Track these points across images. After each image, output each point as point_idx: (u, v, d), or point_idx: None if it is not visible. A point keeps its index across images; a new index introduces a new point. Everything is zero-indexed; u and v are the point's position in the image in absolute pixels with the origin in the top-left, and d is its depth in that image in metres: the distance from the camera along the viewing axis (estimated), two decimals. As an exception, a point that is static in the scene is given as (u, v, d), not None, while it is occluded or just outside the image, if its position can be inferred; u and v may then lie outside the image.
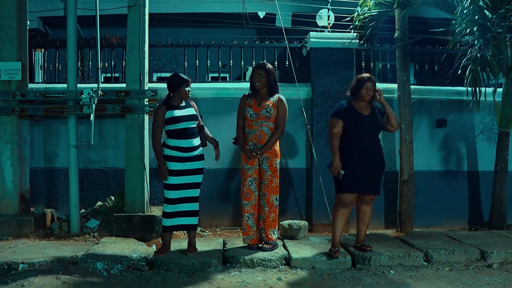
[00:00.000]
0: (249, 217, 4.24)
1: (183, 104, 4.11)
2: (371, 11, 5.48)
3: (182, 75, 4.10)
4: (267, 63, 4.33)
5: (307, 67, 5.67)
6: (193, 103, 4.25)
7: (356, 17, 5.61)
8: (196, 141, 4.11)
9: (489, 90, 5.39)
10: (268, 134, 4.18)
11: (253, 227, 4.25)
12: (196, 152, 4.09)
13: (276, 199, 4.25)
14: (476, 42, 5.07)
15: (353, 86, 4.17)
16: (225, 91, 5.56)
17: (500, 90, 5.45)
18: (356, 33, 5.55)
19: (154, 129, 4.07)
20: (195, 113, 4.15)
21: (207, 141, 4.23)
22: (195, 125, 4.13)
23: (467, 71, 5.16)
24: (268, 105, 4.18)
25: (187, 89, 4.06)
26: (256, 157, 4.17)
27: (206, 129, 4.26)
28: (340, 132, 4.09)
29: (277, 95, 4.25)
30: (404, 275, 3.85)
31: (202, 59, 5.76)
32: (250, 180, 4.23)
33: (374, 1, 5.44)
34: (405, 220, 5.31)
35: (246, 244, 4.28)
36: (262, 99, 4.22)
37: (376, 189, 4.17)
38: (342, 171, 4.01)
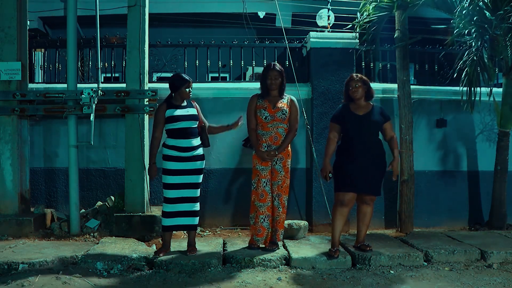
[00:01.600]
0: (264, 219, 4.21)
1: (185, 104, 4.12)
2: (371, 16, 5.50)
3: (184, 76, 4.12)
4: (277, 64, 4.33)
5: (307, 67, 5.67)
6: (196, 103, 4.26)
7: (356, 22, 5.63)
8: (196, 141, 4.11)
9: (486, 90, 5.38)
10: (283, 135, 4.19)
11: (268, 229, 4.23)
12: (196, 152, 4.09)
13: (287, 200, 4.27)
14: (473, 44, 5.08)
15: (344, 89, 4.25)
16: (225, 91, 5.56)
17: (500, 90, 5.46)
18: (356, 34, 5.55)
19: (154, 127, 4.09)
20: (196, 113, 4.15)
21: (222, 131, 4.37)
22: (196, 125, 4.13)
23: (463, 73, 5.17)
24: (283, 107, 4.19)
25: (187, 89, 4.08)
26: (272, 158, 4.17)
27: (212, 124, 4.32)
28: (337, 136, 4.22)
29: (288, 95, 4.29)
30: (404, 275, 3.85)
31: (202, 59, 5.76)
32: (264, 181, 4.20)
33: (373, 5, 5.45)
34: (405, 220, 5.32)
35: (257, 245, 4.24)
36: (275, 100, 4.22)
37: (375, 189, 4.16)
38: (330, 174, 4.14)
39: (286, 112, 4.20)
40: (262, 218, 4.21)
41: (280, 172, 4.20)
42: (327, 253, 4.10)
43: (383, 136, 4.22)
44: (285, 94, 4.29)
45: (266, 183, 4.21)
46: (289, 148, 4.28)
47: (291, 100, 4.27)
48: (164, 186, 4.10)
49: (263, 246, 4.25)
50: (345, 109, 4.20)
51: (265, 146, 4.20)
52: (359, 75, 4.23)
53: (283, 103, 4.21)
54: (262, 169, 4.21)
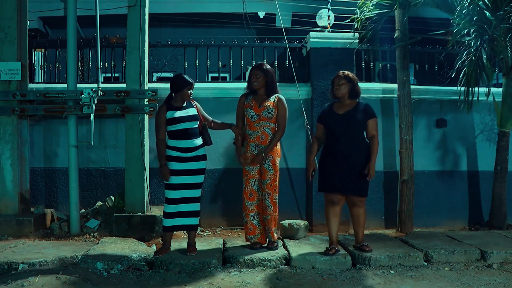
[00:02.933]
0: (254, 217, 4.25)
1: (184, 104, 4.12)
2: (371, 12, 5.49)
3: (187, 77, 4.11)
4: (265, 64, 4.33)
5: (307, 67, 5.67)
6: (196, 103, 4.25)
7: (356, 18, 5.62)
8: (198, 141, 4.11)
9: (484, 90, 5.38)
10: (270, 135, 4.19)
11: (258, 226, 4.27)
12: (198, 153, 4.09)
13: (277, 198, 4.28)
14: (472, 44, 5.08)
15: (330, 89, 4.22)
16: (225, 91, 5.55)
17: (500, 90, 5.46)
18: (356, 34, 5.55)
19: (157, 129, 4.07)
20: (196, 113, 4.15)
21: (223, 128, 4.36)
22: (197, 125, 4.14)
23: (462, 73, 5.16)
24: (269, 105, 4.19)
25: (189, 92, 4.08)
26: (260, 162, 4.17)
27: (216, 120, 4.32)
28: (321, 137, 4.21)
29: (276, 94, 4.26)
30: (404, 275, 3.84)
31: (202, 59, 5.76)
32: (253, 181, 4.23)
33: (374, 3, 5.45)
34: (405, 220, 5.31)
35: (252, 243, 4.26)
36: (262, 99, 4.23)
37: (360, 190, 4.08)
38: (313, 172, 4.17)
39: (272, 111, 4.19)
40: (252, 216, 4.25)
41: (269, 170, 4.21)
42: (324, 251, 4.11)
43: (366, 134, 4.11)
44: (277, 95, 4.27)
45: (255, 182, 4.23)
46: (278, 147, 4.28)
47: (279, 99, 4.24)
48: (166, 186, 4.10)
49: (263, 245, 4.27)
50: (329, 108, 4.18)
51: (253, 146, 4.21)
52: (346, 72, 4.14)
53: (269, 102, 4.21)
54: (250, 169, 4.23)
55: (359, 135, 4.08)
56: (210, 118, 4.31)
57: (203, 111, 4.28)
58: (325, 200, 4.15)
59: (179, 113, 4.05)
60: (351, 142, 4.03)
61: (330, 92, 4.22)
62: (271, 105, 4.20)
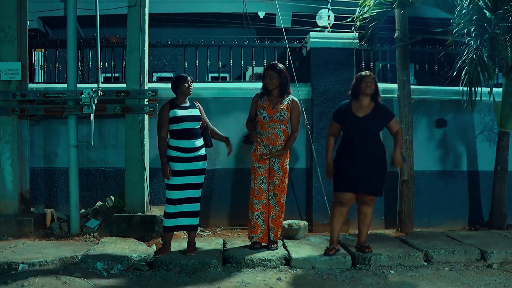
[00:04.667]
0: (259, 216, 4.25)
1: (187, 104, 4.13)
2: (371, 11, 5.49)
3: (180, 74, 4.20)
4: (278, 63, 4.33)
5: (307, 67, 5.67)
6: (199, 104, 4.27)
7: (356, 17, 5.62)
8: (199, 142, 4.12)
9: (487, 90, 5.38)
10: (280, 136, 4.20)
11: (262, 225, 4.26)
12: (199, 153, 4.10)
13: (284, 199, 4.29)
14: (473, 43, 5.08)
15: (353, 84, 4.16)
16: (225, 91, 5.55)
17: (500, 90, 5.46)
18: (356, 33, 5.55)
19: (159, 127, 4.08)
20: (199, 114, 4.16)
21: (218, 139, 4.33)
22: (198, 126, 4.15)
23: (463, 72, 5.16)
24: (282, 108, 4.19)
25: (186, 85, 4.09)
26: (275, 156, 4.18)
27: (214, 128, 4.33)
28: (336, 134, 4.22)
29: (290, 97, 4.27)
30: (404, 275, 3.85)
31: (202, 59, 5.76)
32: (260, 179, 4.23)
33: (374, 1, 5.45)
34: (405, 220, 5.32)
35: (252, 242, 4.26)
36: (275, 101, 4.23)
37: (374, 190, 4.12)
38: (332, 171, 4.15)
39: (284, 114, 4.20)
40: (257, 214, 4.25)
41: (278, 172, 4.22)
42: (324, 251, 4.11)
43: (389, 132, 4.17)
44: (291, 96, 4.27)
45: (263, 181, 4.23)
46: None
47: (293, 102, 4.25)
48: (167, 187, 4.10)
49: (264, 244, 4.27)
50: (347, 108, 4.15)
51: (263, 146, 4.22)
52: (371, 73, 4.15)
53: (283, 105, 4.21)
54: (259, 166, 4.23)
55: (376, 137, 4.13)
56: (211, 125, 4.31)
57: (205, 115, 4.29)
58: (335, 199, 4.14)
59: (182, 112, 4.06)
60: (369, 142, 4.06)
61: (352, 89, 4.14)
62: (284, 107, 4.20)
